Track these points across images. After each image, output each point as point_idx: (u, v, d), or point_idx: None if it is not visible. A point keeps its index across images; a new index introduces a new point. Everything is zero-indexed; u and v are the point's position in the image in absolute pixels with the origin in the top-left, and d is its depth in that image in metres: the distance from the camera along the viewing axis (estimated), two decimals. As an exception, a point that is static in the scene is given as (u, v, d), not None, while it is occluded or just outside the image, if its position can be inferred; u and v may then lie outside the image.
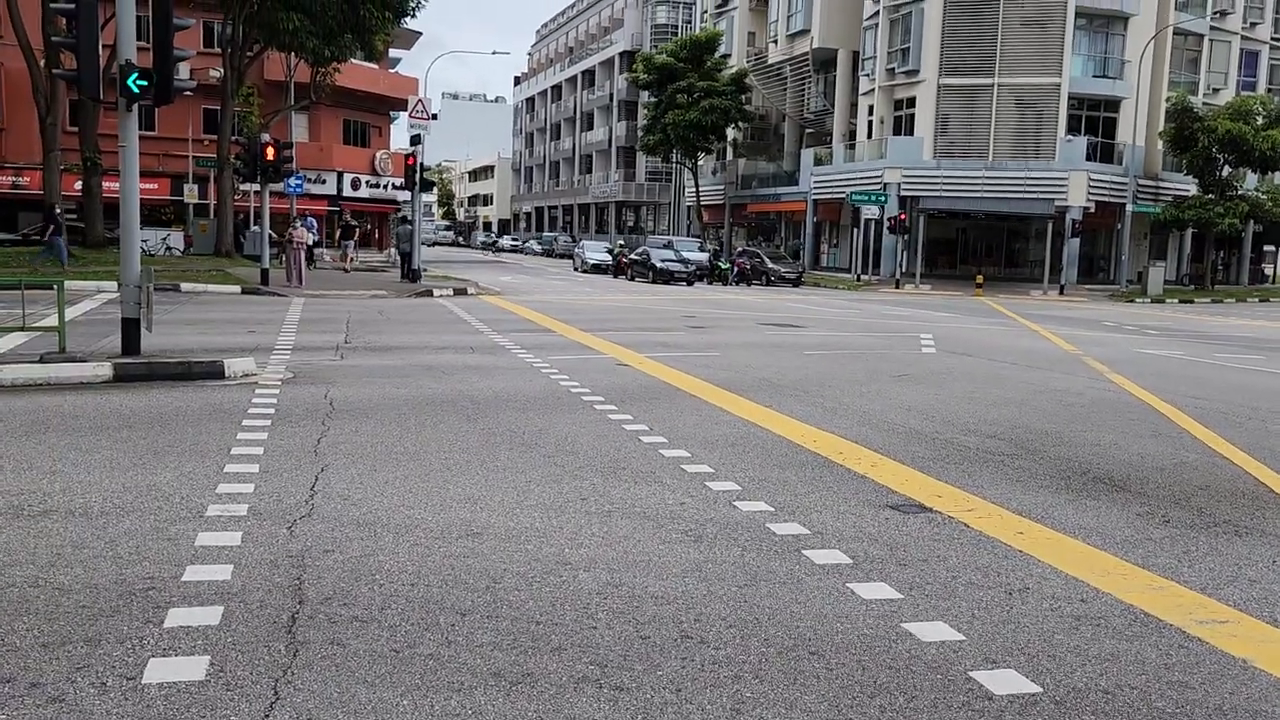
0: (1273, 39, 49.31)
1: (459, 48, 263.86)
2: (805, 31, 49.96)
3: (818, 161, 49.42)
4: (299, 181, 35.35)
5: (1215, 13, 45.89)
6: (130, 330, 10.64)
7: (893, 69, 43.95)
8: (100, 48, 10.74)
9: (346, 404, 8.71)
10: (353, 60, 38.12)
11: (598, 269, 45.17)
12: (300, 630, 3.78)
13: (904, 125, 44.05)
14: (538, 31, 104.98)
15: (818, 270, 48.44)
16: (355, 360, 11.79)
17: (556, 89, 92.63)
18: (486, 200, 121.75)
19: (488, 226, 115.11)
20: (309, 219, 27.86)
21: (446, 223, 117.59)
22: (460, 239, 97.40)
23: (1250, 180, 43.42)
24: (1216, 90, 46.02)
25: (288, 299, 21.64)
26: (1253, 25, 48.15)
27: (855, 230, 43.72)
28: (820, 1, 48.84)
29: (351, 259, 33.33)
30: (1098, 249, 45.77)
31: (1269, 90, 47.51)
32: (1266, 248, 54.69)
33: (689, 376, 11.07)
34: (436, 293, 25.17)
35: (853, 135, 48.40)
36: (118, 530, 4.94)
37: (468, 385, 10.01)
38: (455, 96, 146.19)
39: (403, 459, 6.69)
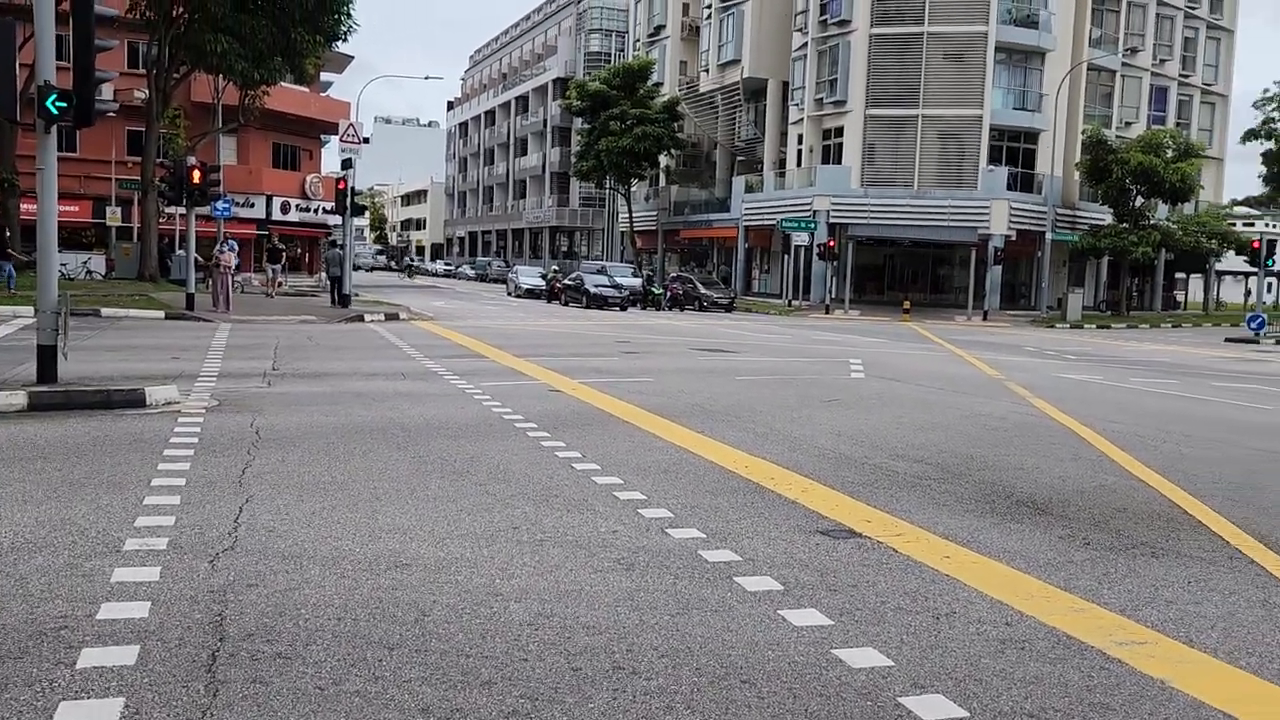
0: (1180, 75, 51.49)
1: (392, 72, 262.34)
2: (736, 61, 50.75)
3: (749, 189, 50.10)
4: (226, 205, 34.72)
5: (1126, 49, 47.80)
6: (46, 357, 10.29)
7: (821, 99, 44.85)
8: (18, 67, 10.43)
9: (273, 432, 8.53)
10: (283, 84, 37.63)
11: (531, 294, 45.10)
12: (221, 669, 3.67)
13: (832, 154, 44.92)
14: (471, 57, 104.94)
15: (750, 296, 48.98)
16: (283, 387, 11.56)
17: (490, 114, 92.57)
18: (419, 224, 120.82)
19: (420, 251, 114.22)
20: (230, 241, 27.27)
21: (379, 247, 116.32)
22: (393, 264, 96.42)
23: (1162, 210, 45.13)
24: (1129, 124, 47.88)
25: (214, 324, 21.16)
26: (1162, 62, 50.25)
27: (786, 256, 44.36)
28: (750, 33, 49.70)
29: (279, 283, 32.77)
30: (1019, 276, 47.05)
31: (1178, 124, 49.57)
32: (1178, 275, 56.85)
33: (622, 402, 11.07)
34: (368, 318, 24.84)
35: (783, 163, 49.20)
36: (29, 567, 4.75)
37: (398, 412, 9.88)
38: (388, 120, 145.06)
39: (330, 489, 6.56)
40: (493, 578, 4.87)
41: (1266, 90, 60.88)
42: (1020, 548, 5.83)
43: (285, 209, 49.58)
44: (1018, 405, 12.59)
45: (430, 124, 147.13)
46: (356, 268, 68.99)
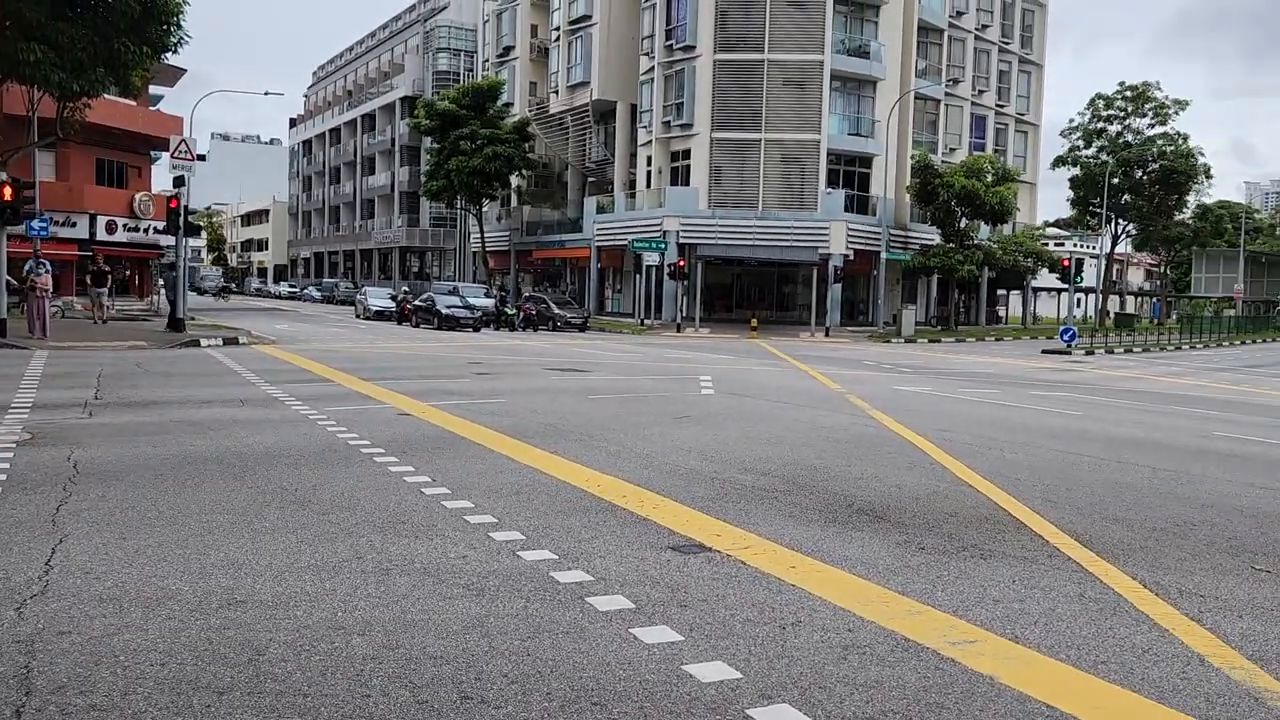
0: (997, 105, 54.99)
1: (229, 86, 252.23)
2: (585, 83, 51.16)
3: (600, 209, 50.50)
4: (43, 224, 32.44)
5: (949, 80, 50.72)
6: None
7: (669, 122, 45.69)
8: None
9: (94, 466, 7.99)
10: (106, 96, 35.56)
11: (381, 316, 44.05)
12: (29, 725, 3.39)
13: (681, 176, 45.79)
14: (314, 73, 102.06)
15: (603, 315, 49.27)
16: (106, 418, 10.86)
17: (335, 132, 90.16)
18: (261, 245, 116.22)
19: (262, 273, 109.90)
20: (43, 262, 25.40)
21: (219, 269, 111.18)
22: (233, 286, 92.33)
23: (984, 231, 47.97)
24: (953, 150, 50.77)
25: (29, 352, 19.73)
26: (980, 93, 53.55)
27: (638, 276, 44.86)
28: (599, 55, 50.24)
29: (106, 308, 30.73)
30: (858, 293, 49.03)
31: (996, 151, 52.91)
32: (1000, 292, 60.49)
33: (474, 425, 10.91)
34: (204, 343, 23.69)
35: (633, 184, 49.83)
36: None
37: (235, 441, 9.43)
38: (225, 137, 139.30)
39: (157, 524, 6.19)
40: (334, 611, 4.69)
41: (1072, 120, 65.91)
42: (861, 555, 6.03)
43: (111, 228, 46.73)
44: (858, 417, 13.07)
45: (272, 141, 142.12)
46: (201, 291, 66.13)
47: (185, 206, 26.54)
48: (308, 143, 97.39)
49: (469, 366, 19.63)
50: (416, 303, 40.63)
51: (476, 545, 5.95)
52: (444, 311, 37.16)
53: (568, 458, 9.05)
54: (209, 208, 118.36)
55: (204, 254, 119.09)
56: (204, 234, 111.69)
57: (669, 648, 4.34)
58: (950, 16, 50.53)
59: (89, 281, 32.31)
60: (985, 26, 53.61)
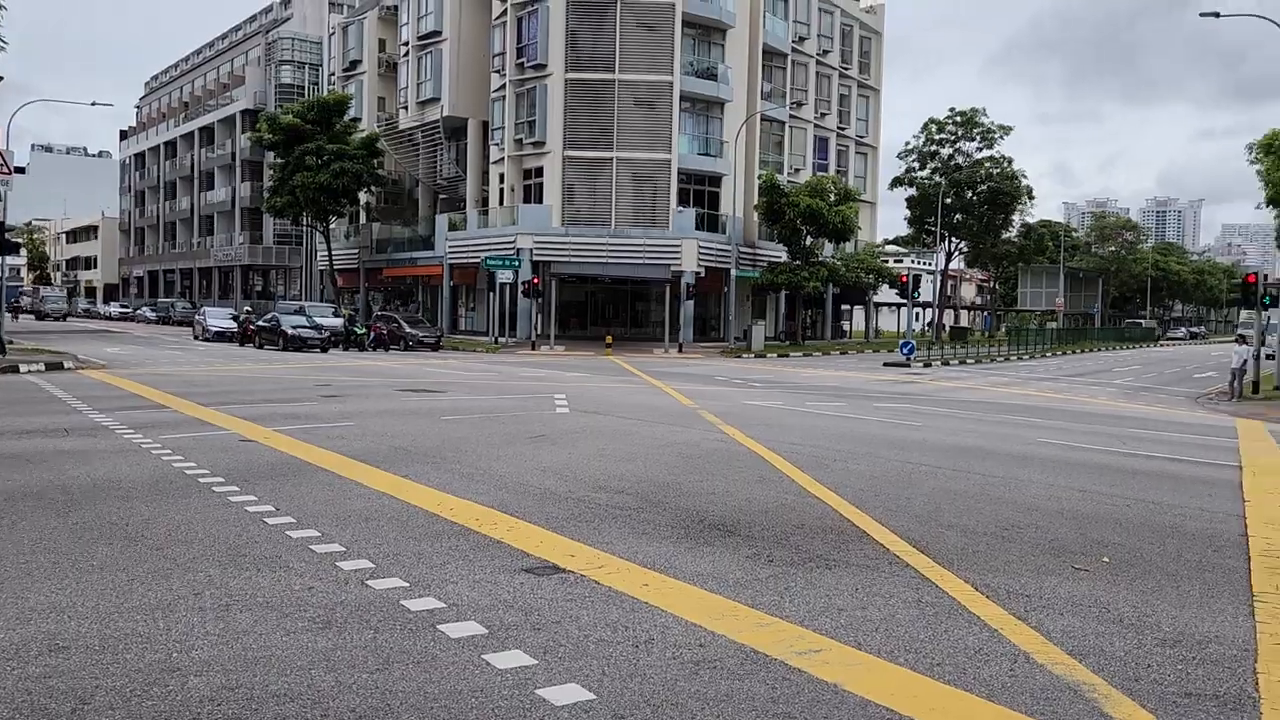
0: (838, 128, 57.34)
1: (52, 95, 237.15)
2: (436, 99, 50.54)
3: (452, 226, 49.89)
4: None
5: (793, 103, 52.56)
6: None
7: (521, 139, 45.61)
8: None
9: (-105, 507, 7.34)
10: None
11: (222, 337, 42.20)
12: None
13: (534, 193, 45.74)
14: (147, 84, 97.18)
15: (457, 334, 48.62)
16: (-90, 453, 10.00)
17: (171, 145, 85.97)
18: (89, 263, 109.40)
19: (91, 292, 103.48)
20: None
21: (61, 290, 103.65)
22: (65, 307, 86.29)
23: (828, 249, 49.84)
24: (798, 170, 52.62)
25: None
26: (822, 115, 55.75)
27: (491, 294, 44.49)
28: (449, 72, 49.74)
29: None
30: (710, 310, 50.03)
31: (838, 171, 55.14)
32: (844, 307, 62.90)
33: (321, 450, 10.58)
34: (24, 368, 22.12)
35: (486, 201, 49.45)
36: None
37: (59, 474, 8.84)
38: (48, 149, 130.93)
39: (-30, 568, 5.74)
40: (169, 652, 4.46)
41: (907, 143, 69.29)
42: (712, 569, 6.16)
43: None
44: (710, 432, 13.33)
45: (101, 154, 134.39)
46: (42, 315, 61.44)
47: (2, 223, 24.77)
48: (141, 156, 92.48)
49: (316, 389, 19.02)
50: (260, 323, 39.09)
51: (323, 575, 5.77)
52: (289, 332, 35.89)
53: (419, 481, 8.89)
54: (29, 223, 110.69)
55: (24, 273, 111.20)
56: (24, 252, 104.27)
57: (522, 672, 4.32)
58: (793, 42, 52.40)
59: None
60: (826, 52, 55.83)
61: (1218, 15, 28.64)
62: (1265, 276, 30.75)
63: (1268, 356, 32.13)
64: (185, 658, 4.39)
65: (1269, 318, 32.07)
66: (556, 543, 6.72)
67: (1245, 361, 26.84)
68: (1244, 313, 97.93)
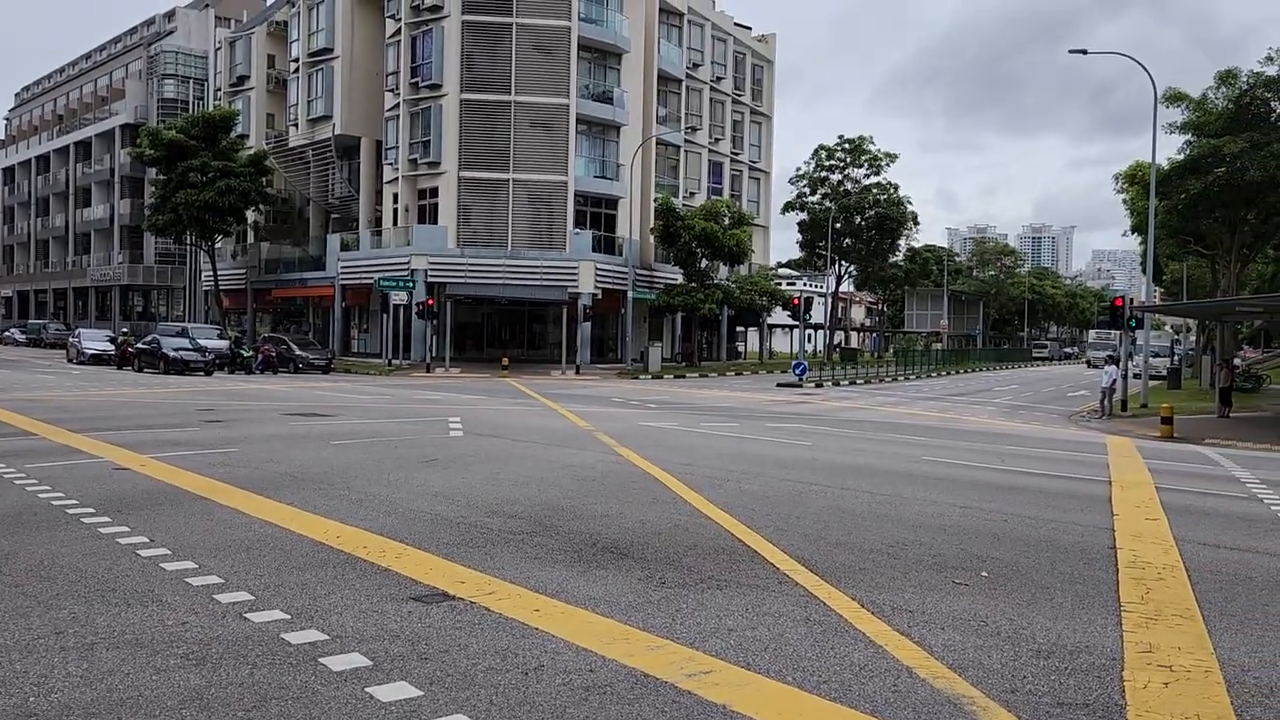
0: (732, 153, 58.41)
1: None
2: (327, 117, 49.58)
3: (345, 246, 48.90)
4: None
5: (688, 128, 53.35)
6: None
7: (415, 159, 45.05)
8: None
9: None
10: None
11: (98, 360, 40.37)
12: None
13: (429, 214, 45.20)
14: (18, 95, 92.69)
15: (349, 356, 47.55)
16: None
17: (44, 159, 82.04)
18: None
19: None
20: None
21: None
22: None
23: (723, 271, 50.57)
24: (693, 194, 53.33)
25: None
26: (716, 140, 56.69)
27: (385, 315, 43.67)
28: (341, 90, 48.89)
29: None
30: (607, 331, 50.14)
31: (732, 195, 56.09)
32: (739, 328, 63.82)
33: (201, 477, 10.17)
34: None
35: (379, 221, 48.64)
36: None
37: (-91, 508, 8.28)
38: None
39: None
40: (25, 696, 4.20)
41: (799, 169, 71.04)
42: (604, 593, 6.13)
43: None
44: (605, 454, 13.32)
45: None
46: None
47: None
48: (10, 170, 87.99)
49: (198, 413, 18.32)
50: (140, 345, 37.52)
51: (198, 610, 5.53)
52: (171, 354, 34.55)
53: (305, 509, 8.63)
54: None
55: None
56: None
57: (407, 705, 4.22)
58: (688, 68, 53.19)
59: None
60: (720, 79, 56.83)
61: (1085, 52, 30.29)
62: (1131, 300, 32.46)
63: (1134, 376, 33.87)
64: (43, 701, 4.15)
65: (1134, 339, 33.81)
66: (446, 569, 6.60)
67: (1114, 380, 28.22)
68: (1091, 333, 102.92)
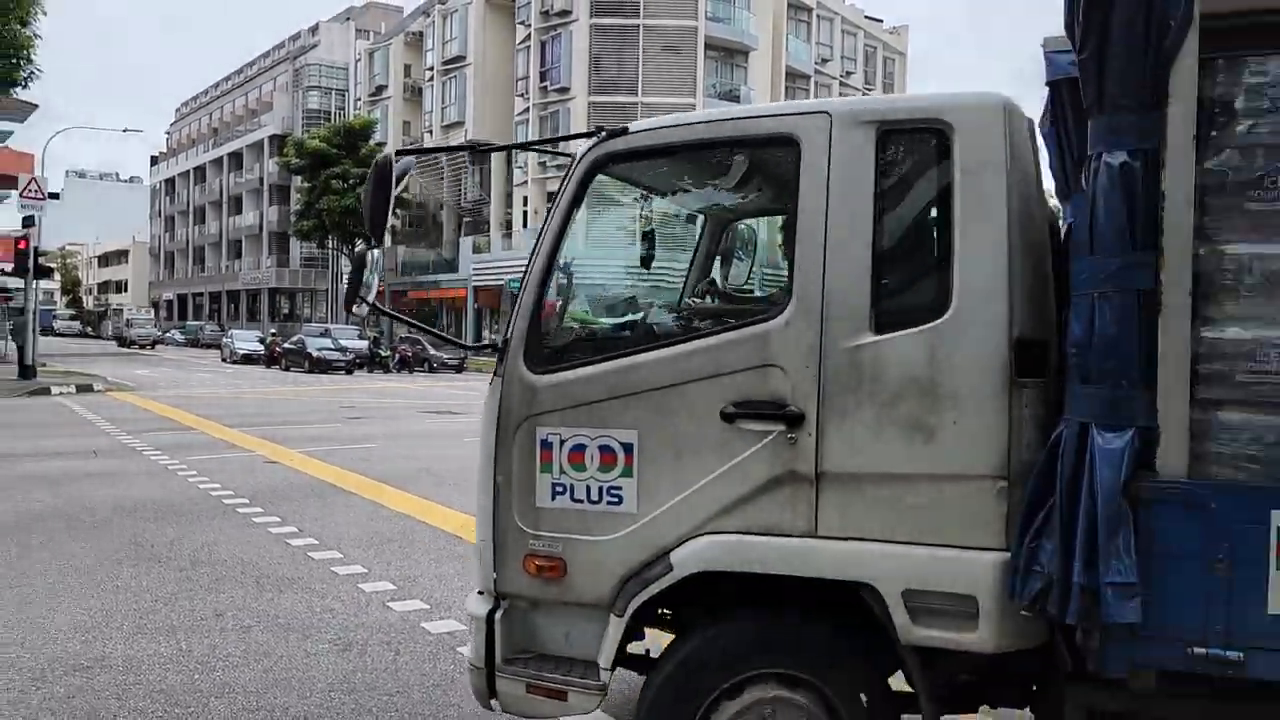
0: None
1: (85, 122, 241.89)
2: (460, 123, 51.02)
3: (477, 249, 50.22)
4: (-125, 266, 30.28)
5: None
6: None
7: (544, 162, 45.86)
8: None
9: (-73, 528, 7.45)
10: (-53, 131, 33.65)
11: (249, 359, 42.64)
12: None
13: (558, 216, 45.93)
14: (178, 110, 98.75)
15: (480, 356, 48.82)
16: (-58, 474, 10.15)
17: (200, 170, 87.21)
18: (120, 287, 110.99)
19: (119, 315, 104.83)
20: None
21: (72, 311, 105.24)
22: (89, 330, 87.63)
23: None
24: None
25: None
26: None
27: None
28: (473, 96, 50.23)
29: None
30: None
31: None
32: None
33: (344, 471, 10.64)
34: (55, 390, 22.43)
35: (510, 224, 49.76)
36: None
37: (86, 495, 8.94)
38: (82, 174, 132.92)
39: (-2, 588, 5.82)
40: (191, 673, 4.49)
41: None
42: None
43: (-47, 271, 43.98)
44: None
45: (132, 179, 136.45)
46: (127, 341, 62.17)
47: (36, 248, 25.17)
48: (170, 181, 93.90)
49: (341, 410, 19.14)
50: (286, 345, 39.45)
51: (344, 598, 5.79)
52: (315, 354, 36.19)
53: (442, 503, 8.92)
54: (63, 248, 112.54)
55: (57, 296, 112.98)
56: (57, 275, 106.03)
57: (541, 695, 4.30)
58: (816, 64, 52.53)
59: None
60: (849, 74, 55.88)
61: None
62: None
63: None
64: (206, 679, 4.42)
65: None
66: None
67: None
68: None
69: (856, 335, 2.77)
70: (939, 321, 2.71)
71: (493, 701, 3.16)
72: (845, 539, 2.76)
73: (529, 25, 46.44)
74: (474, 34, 50.33)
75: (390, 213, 3.12)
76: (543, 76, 45.97)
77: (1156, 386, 2.45)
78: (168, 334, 72.42)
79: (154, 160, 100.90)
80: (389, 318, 3.37)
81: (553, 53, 45.59)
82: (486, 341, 3.14)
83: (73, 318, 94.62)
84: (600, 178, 3.30)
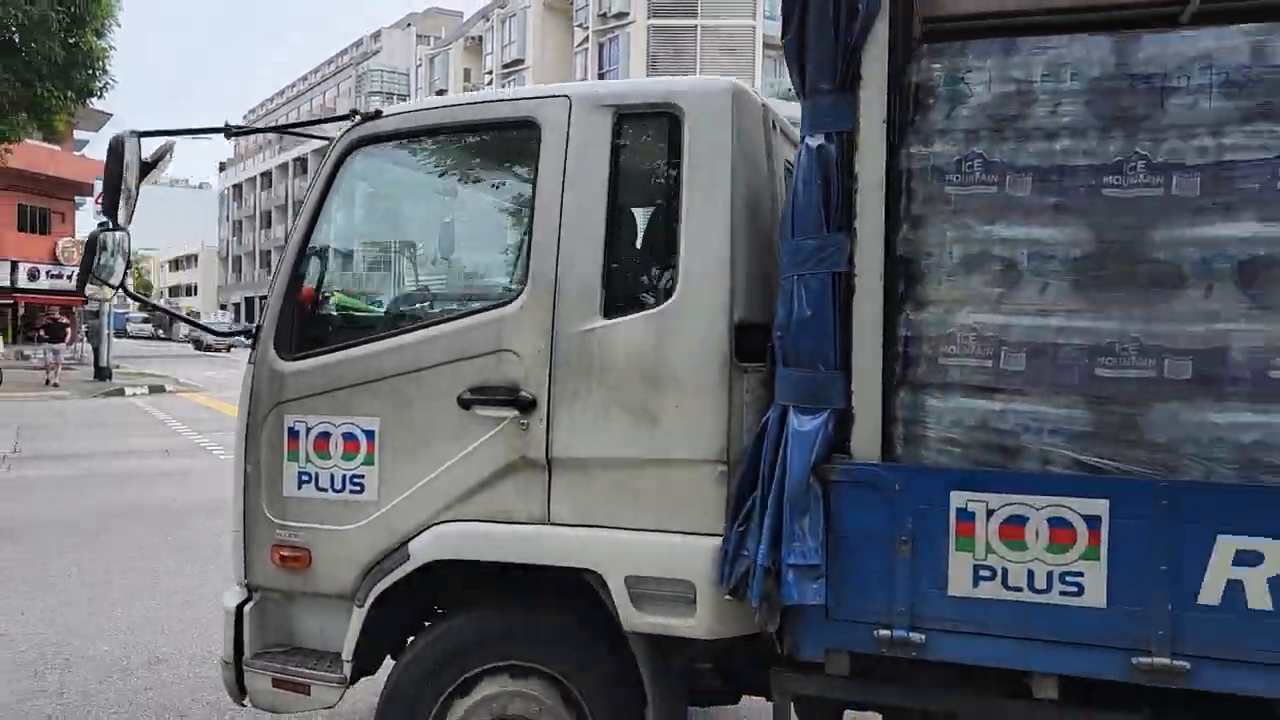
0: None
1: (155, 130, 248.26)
2: (519, 126, 51.45)
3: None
4: (-41, 272, 31.41)
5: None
6: None
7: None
8: None
9: (11, 522, 7.73)
10: (29, 141, 34.84)
11: (313, 360, 43.42)
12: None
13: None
14: (245, 117, 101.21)
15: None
16: (25, 471, 10.52)
17: (267, 175, 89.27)
18: (190, 291, 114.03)
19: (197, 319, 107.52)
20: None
21: (144, 315, 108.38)
22: (160, 333, 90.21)
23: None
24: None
25: (-57, 405, 19.04)
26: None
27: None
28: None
29: (56, 367, 24.35)
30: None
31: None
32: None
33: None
34: (129, 391, 23.12)
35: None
36: None
37: (158, 493, 9.20)
38: (154, 181, 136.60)
39: (76, 582, 6.01)
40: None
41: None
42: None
43: (34, 275, 45.50)
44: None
45: (201, 185, 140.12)
46: (203, 345, 64.03)
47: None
48: (238, 186, 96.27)
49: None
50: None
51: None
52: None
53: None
54: (136, 253, 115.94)
55: (129, 301, 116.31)
56: (130, 279, 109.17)
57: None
58: (875, 61, 51.98)
59: (43, 335, 27.50)
60: (909, 70, 55.22)
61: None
62: None
63: None
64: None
65: None
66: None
67: None
68: None
69: (587, 320, 2.73)
70: (664, 306, 2.68)
71: (245, 699, 3.09)
72: (575, 525, 2.71)
73: (586, 28, 46.68)
74: (532, 37, 50.76)
75: (128, 193, 3.06)
76: (600, 78, 46.18)
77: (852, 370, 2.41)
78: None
79: (222, 166, 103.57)
80: (137, 302, 3.35)
81: (610, 54, 45.78)
82: (240, 328, 3.15)
83: (144, 321, 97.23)
84: (358, 161, 3.27)
